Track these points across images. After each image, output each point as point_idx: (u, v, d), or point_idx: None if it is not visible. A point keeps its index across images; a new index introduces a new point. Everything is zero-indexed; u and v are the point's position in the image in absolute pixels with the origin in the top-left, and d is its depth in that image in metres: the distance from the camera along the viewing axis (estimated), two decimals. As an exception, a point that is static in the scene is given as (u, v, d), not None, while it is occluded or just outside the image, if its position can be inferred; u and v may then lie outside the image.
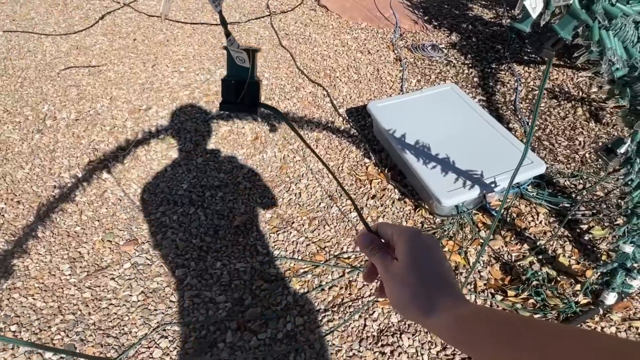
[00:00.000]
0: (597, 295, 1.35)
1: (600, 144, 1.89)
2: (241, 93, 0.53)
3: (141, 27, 2.85)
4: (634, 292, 1.38)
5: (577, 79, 2.34)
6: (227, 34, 0.49)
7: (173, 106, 2.20)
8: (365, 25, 2.86)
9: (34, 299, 1.41)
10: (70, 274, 1.48)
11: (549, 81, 2.30)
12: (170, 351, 1.28)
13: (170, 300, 1.40)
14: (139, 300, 1.40)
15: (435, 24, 2.88)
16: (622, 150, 0.83)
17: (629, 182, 0.91)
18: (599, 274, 1.34)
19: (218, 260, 1.52)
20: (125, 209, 1.70)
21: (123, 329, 1.33)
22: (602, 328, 1.31)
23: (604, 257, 1.47)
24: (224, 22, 0.46)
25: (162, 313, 1.37)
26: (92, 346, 1.29)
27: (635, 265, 1.16)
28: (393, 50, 2.60)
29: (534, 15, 0.47)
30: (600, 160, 1.64)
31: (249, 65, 0.53)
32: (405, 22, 2.85)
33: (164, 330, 1.33)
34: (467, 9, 2.97)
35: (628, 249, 1.09)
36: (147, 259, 1.52)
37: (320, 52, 2.60)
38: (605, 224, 1.56)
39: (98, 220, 1.66)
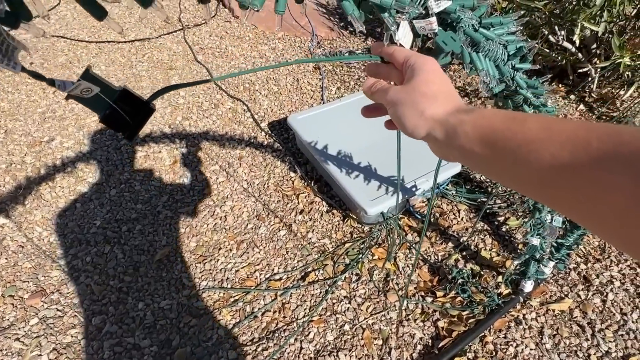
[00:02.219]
0: (517, 284, 1.42)
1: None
2: (126, 111, 0.51)
3: (39, 48, 2.60)
4: (548, 277, 1.48)
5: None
6: (51, 83, 0.44)
7: (80, 135, 2.03)
8: (282, 35, 2.83)
9: None
10: (-36, 341, 1.29)
11: (458, 80, 2.42)
12: (90, 412, 1.16)
13: (88, 354, 1.28)
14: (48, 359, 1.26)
15: (351, 29, 2.93)
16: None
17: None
18: (516, 264, 1.42)
19: (140, 301, 1.41)
20: (29, 257, 1.53)
21: (33, 396, 1.19)
22: (524, 315, 1.38)
23: (520, 247, 1.56)
24: (38, 77, 0.41)
25: (79, 369, 1.24)
26: None
27: (544, 255, 1.23)
28: (311, 59, 2.60)
29: (407, 46, 0.46)
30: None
31: (98, 88, 0.49)
32: (322, 29, 2.87)
33: (82, 388, 1.20)
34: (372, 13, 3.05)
35: (535, 241, 1.16)
36: (57, 310, 1.38)
37: (237, 65, 2.53)
38: (519, 214, 1.65)
39: (4, 270, 1.47)
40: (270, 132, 2.07)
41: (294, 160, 1.91)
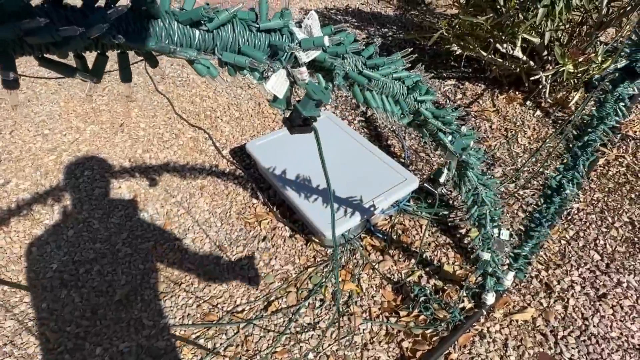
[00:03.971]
0: (479, 297, 1.42)
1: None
2: None
3: (-5, 89, 2.56)
4: (510, 287, 1.48)
5: (443, 87, 2.53)
6: None
7: (37, 175, 1.99)
8: (243, 59, 2.84)
9: None
10: None
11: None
12: None
13: (42, 407, 1.23)
14: None
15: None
16: (442, 179, 0.88)
17: (466, 201, 0.97)
18: (474, 279, 1.42)
19: (98, 346, 1.37)
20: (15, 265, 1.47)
21: None
22: (488, 328, 1.38)
23: (481, 258, 1.56)
24: None
25: None
26: None
27: (497, 269, 1.24)
28: (273, 82, 2.61)
29: (281, 96, 0.46)
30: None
31: None
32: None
33: None
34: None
35: (486, 256, 1.16)
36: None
37: (199, 93, 2.53)
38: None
39: (-54, 329, 1.42)
40: (232, 159, 2.06)
41: (256, 186, 1.90)
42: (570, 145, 1.19)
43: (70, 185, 1.93)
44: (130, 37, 0.35)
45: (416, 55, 0.97)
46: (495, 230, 1.13)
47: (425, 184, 1.00)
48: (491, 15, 1.83)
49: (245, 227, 1.74)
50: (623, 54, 1.04)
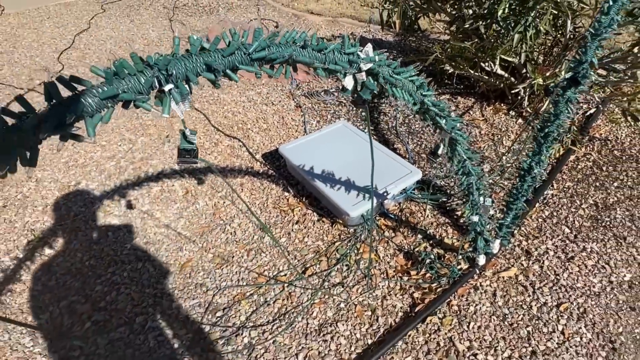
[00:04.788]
0: (473, 260, 1.79)
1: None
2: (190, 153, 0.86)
3: (53, 109, 2.98)
4: (498, 253, 1.86)
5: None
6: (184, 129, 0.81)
7: (102, 178, 2.38)
8: (265, 81, 3.29)
9: (0, 375, 1.50)
10: (32, 345, 1.59)
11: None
12: (145, 385, 1.46)
13: (136, 344, 1.58)
14: (106, 350, 1.56)
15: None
16: (440, 152, 1.27)
17: (458, 172, 1.37)
18: (468, 243, 1.80)
19: (172, 302, 1.73)
20: (75, 277, 1.84)
21: (96, 379, 1.48)
22: (480, 283, 1.75)
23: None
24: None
25: (130, 356, 1.54)
26: (70, 400, 1.43)
27: (484, 230, 1.62)
28: (293, 99, 3.05)
29: (350, 88, 0.86)
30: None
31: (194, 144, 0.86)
32: (299, 74, 3.33)
33: (136, 370, 1.50)
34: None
35: (475, 218, 1.55)
36: (105, 315, 1.69)
37: (230, 109, 2.96)
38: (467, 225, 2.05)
39: (50, 292, 1.78)
40: (264, 162, 2.46)
41: (286, 183, 2.29)
42: (536, 136, 1.59)
43: (131, 184, 2.32)
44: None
45: (418, 72, 1.38)
46: (481, 198, 1.52)
47: (427, 155, 1.35)
48: (476, 40, 2.27)
49: (281, 214, 2.12)
50: (570, 67, 1.45)
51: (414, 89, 0.99)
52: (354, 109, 2.92)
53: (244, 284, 1.79)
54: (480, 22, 2.15)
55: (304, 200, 2.18)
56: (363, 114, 2.87)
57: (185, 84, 0.61)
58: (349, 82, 0.85)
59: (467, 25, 2.19)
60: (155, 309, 1.70)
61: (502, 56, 2.21)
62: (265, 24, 4.54)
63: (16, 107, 0.52)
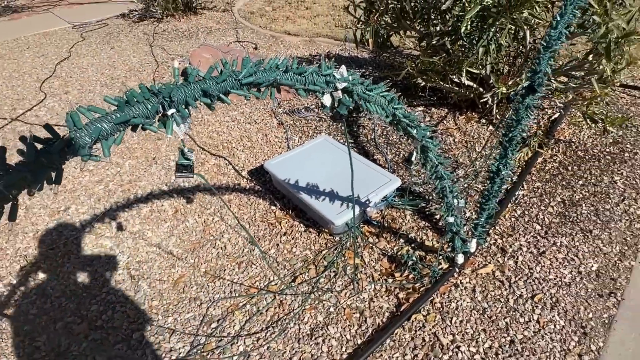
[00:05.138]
0: (453, 260, 1.91)
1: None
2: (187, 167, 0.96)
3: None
4: (476, 252, 1.98)
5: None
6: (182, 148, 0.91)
7: (91, 202, 2.43)
8: (247, 101, 3.40)
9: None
10: (31, 367, 1.62)
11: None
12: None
13: (134, 359, 1.63)
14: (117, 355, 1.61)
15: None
16: (413, 159, 1.39)
17: (431, 176, 1.49)
18: (447, 244, 1.92)
19: (170, 316, 1.79)
20: (70, 298, 1.88)
21: (97, 395, 1.52)
22: (460, 280, 1.86)
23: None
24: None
25: None
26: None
27: (460, 229, 1.74)
28: (275, 117, 3.16)
29: (328, 105, 0.97)
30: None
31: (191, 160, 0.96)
32: (281, 93, 3.46)
33: (135, 384, 1.55)
34: (325, 74, 3.71)
35: (451, 219, 1.67)
36: (102, 334, 1.73)
37: (215, 129, 3.05)
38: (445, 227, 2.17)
39: (45, 315, 1.82)
40: (250, 178, 2.55)
41: (273, 197, 2.38)
42: (501, 141, 1.73)
43: (121, 206, 2.38)
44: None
45: (391, 87, 1.51)
46: (455, 200, 1.65)
47: (402, 162, 1.46)
48: (443, 55, 2.43)
49: (269, 227, 2.21)
50: (527, 77, 1.60)
51: (386, 103, 1.11)
52: (334, 123, 3.05)
53: (237, 295, 1.86)
54: (447, 39, 2.32)
55: (290, 212, 2.27)
56: (343, 128, 3.00)
57: (185, 107, 0.71)
58: (327, 100, 0.96)
59: (434, 42, 2.35)
60: (152, 325, 1.76)
61: (469, 69, 2.38)
62: (245, 46, 4.68)
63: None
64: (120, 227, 2.24)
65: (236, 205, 2.36)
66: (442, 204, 1.68)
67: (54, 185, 0.61)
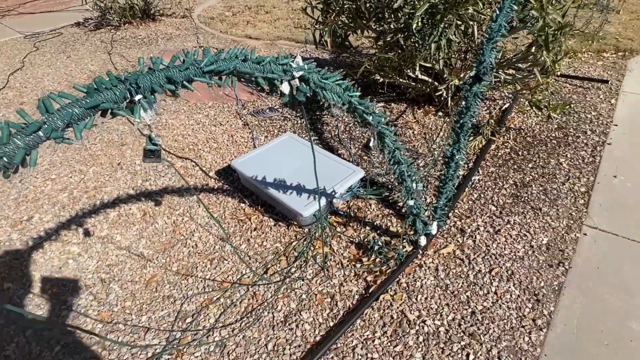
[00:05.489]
0: (416, 243, 2.01)
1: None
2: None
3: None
4: (437, 234, 2.10)
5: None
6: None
7: (55, 210, 2.39)
8: (211, 104, 3.42)
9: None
10: (2, 376, 1.60)
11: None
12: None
13: (110, 359, 1.64)
14: (80, 370, 1.60)
15: (267, 92, 3.60)
16: (371, 144, 1.48)
17: (389, 161, 1.59)
18: (410, 227, 2.02)
19: (142, 315, 1.80)
20: (39, 306, 1.86)
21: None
22: (424, 261, 1.97)
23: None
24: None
25: None
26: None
27: (420, 211, 1.85)
28: (240, 118, 3.20)
29: (287, 92, 1.05)
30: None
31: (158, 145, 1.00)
32: (244, 95, 3.51)
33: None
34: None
35: (411, 202, 1.77)
36: (75, 337, 1.72)
37: (180, 132, 3.06)
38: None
39: (14, 324, 1.79)
40: (218, 178, 2.59)
41: (241, 195, 2.43)
42: (454, 128, 1.85)
43: (87, 212, 2.36)
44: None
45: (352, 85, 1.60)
46: (413, 184, 1.75)
47: (361, 148, 1.54)
48: (398, 51, 2.56)
49: (239, 224, 2.25)
50: (474, 66, 1.72)
51: (341, 91, 1.19)
52: (300, 122, 3.12)
53: (210, 290, 1.89)
54: (400, 35, 2.44)
55: (259, 208, 2.32)
56: (307, 125, 3.08)
57: (151, 94, 0.76)
58: (285, 88, 1.03)
59: (389, 39, 2.47)
60: (126, 325, 1.76)
61: (422, 63, 2.52)
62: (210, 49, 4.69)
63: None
64: (87, 233, 2.22)
65: (205, 204, 2.39)
66: (402, 189, 1.79)
67: (29, 167, 0.65)
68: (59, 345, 1.69)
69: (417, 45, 2.47)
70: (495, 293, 1.81)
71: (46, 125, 0.63)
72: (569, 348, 1.60)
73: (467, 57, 2.95)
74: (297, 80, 1.03)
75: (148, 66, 0.76)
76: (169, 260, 2.06)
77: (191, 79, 0.82)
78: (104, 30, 5.64)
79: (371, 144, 1.46)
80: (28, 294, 1.91)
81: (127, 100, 0.74)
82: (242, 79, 0.96)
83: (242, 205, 2.36)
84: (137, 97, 0.73)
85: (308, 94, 1.06)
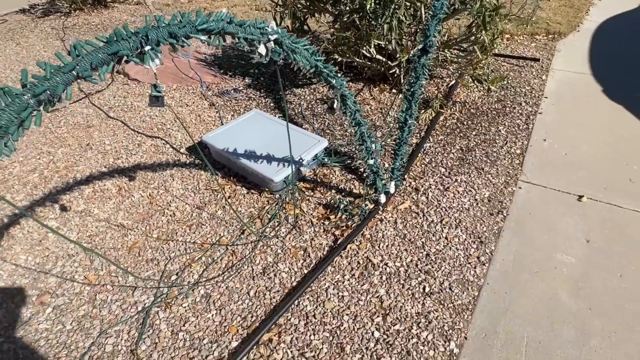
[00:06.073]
0: (377, 201, 2.26)
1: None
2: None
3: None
4: (395, 192, 2.35)
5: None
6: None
7: (27, 189, 2.43)
8: (176, 86, 3.50)
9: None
10: (-5, 338, 1.68)
11: (317, 93, 3.34)
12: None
13: (102, 315, 1.76)
14: (72, 325, 1.72)
15: (230, 74, 3.72)
16: (335, 106, 1.69)
17: (351, 123, 1.80)
18: (370, 187, 2.26)
19: (129, 277, 1.92)
20: (23, 275, 1.93)
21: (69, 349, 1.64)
22: (384, 216, 2.21)
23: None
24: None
25: (99, 325, 1.72)
26: (49, 369, 1.57)
27: (379, 170, 2.09)
28: (205, 99, 3.32)
29: (264, 54, 1.22)
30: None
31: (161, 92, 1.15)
32: (207, 77, 3.61)
33: (105, 338, 1.69)
34: (250, 58, 3.91)
35: (371, 161, 2.00)
36: (65, 299, 1.83)
37: (147, 114, 3.13)
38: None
39: (1, 293, 1.86)
40: (189, 154, 2.71)
41: (214, 168, 2.57)
42: (405, 95, 2.09)
43: (61, 190, 2.42)
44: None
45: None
46: (372, 145, 1.98)
47: (325, 110, 1.75)
48: (355, 31, 2.77)
49: (213, 194, 2.40)
50: (421, 41, 1.96)
51: (309, 56, 1.38)
52: (264, 101, 3.28)
53: (191, 251, 2.04)
54: (355, 15, 2.66)
55: (232, 179, 2.48)
56: (271, 104, 3.25)
57: (157, 45, 0.92)
58: (262, 50, 1.21)
59: (345, 19, 2.68)
60: (113, 286, 1.88)
61: (376, 41, 2.75)
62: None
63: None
64: (64, 208, 2.29)
65: (179, 178, 2.52)
66: (362, 150, 2.01)
67: (65, 100, 0.79)
68: (50, 307, 1.79)
69: (371, 24, 2.69)
70: (446, 238, 2.09)
71: (78, 66, 0.77)
72: (507, 277, 1.90)
73: (416, 38, 3.22)
74: (272, 42, 1.21)
75: (153, 24, 0.92)
76: (148, 229, 2.18)
77: (188, 36, 0.98)
78: (52, 17, 5.47)
79: (335, 106, 1.64)
80: (9, 267, 1.97)
81: (138, 51, 0.89)
82: (225, 41, 1.12)
83: (215, 177, 2.51)
84: (147, 48, 0.89)
85: (282, 55, 1.25)
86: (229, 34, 1.09)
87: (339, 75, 1.56)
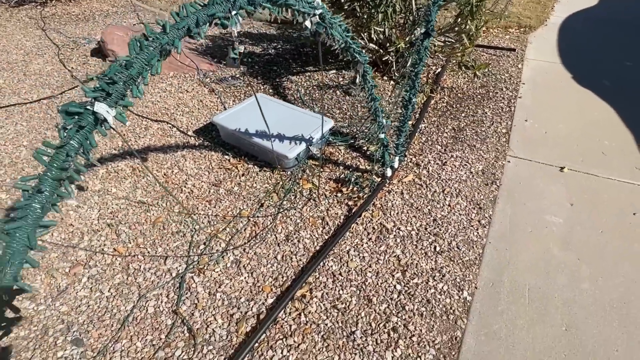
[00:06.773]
0: (384, 175, 2.44)
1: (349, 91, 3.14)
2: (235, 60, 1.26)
3: (-53, 121, 2.83)
4: (399, 167, 2.54)
5: (329, 76, 3.61)
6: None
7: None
8: (172, 74, 3.55)
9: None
10: (35, 305, 1.73)
11: (313, 80, 3.49)
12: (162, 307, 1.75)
13: (137, 282, 1.84)
14: (109, 293, 1.79)
15: (224, 62, 3.80)
16: (357, 81, 1.85)
17: (368, 98, 1.97)
18: (379, 158, 2.44)
19: (158, 248, 2.01)
20: (52, 250, 1.98)
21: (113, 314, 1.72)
22: (391, 188, 2.40)
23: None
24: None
25: (136, 293, 1.81)
26: (96, 330, 1.65)
27: (388, 144, 2.27)
28: (205, 86, 3.39)
29: (310, 27, 1.37)
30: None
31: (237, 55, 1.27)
32: (203, 65, 3.68)
33: (145, 302, 1.78)
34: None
35: (382, 135, 2.18)
36: (98, 270, 1.90)
37: (148, 99, 3.18)
38: (375, 143, 2.71)
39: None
40: (197, 136, 2.79)
41: (223, 149, 2.67)
42: (409, 75, 2.27)
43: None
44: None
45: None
46: (384, 121, 2.16)
47: (350, 84, 1.90)
48: (353, 18, 2.95)
49: (227, 172, 2.51)
50: (423, 25, 2.14)
51: (342, 32, 1.54)
52: (262, 88, 3.39)
53: (215, 223, 2.15)
54: (356, 3, 2.83)
55: (243, 158, 2.59)
56: (270, 90, 3.37)
57: (240, 10, 1.05)
58: (308, 24, 1.35)
59: (346, 7, 2.84)
60: (144, 256, 1.97)
61: (376, 28, 2.94)
62: (151, 27, 4.70)
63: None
64: (81, 188, 2.33)
65: (191, 158, 2.60)
66: (372, 125, 2.19)
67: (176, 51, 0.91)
68: (86, 277, 1.86)
69: (371, 12, 2.87)
70: (449, 205, 2.30)
71: (190, 21, 0.89)
72: (505, 236, 2.13)
73: (406, 27, 3.43)
74: (317, 17, 1.36)
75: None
76: (169, 205, 2.26)
77: (262, 5, 1.11)
78: (28, 7, 5.32)
79: (357, 81, 1.80)
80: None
81: (224, 17, 1.01)
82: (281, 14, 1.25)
83: (226, 157, 2.61)
84: (234, 12, 1.01)
85: (325, 28, 1.39)
86: (288, 5, 1.22)
87: (363, 51, 1.73)
